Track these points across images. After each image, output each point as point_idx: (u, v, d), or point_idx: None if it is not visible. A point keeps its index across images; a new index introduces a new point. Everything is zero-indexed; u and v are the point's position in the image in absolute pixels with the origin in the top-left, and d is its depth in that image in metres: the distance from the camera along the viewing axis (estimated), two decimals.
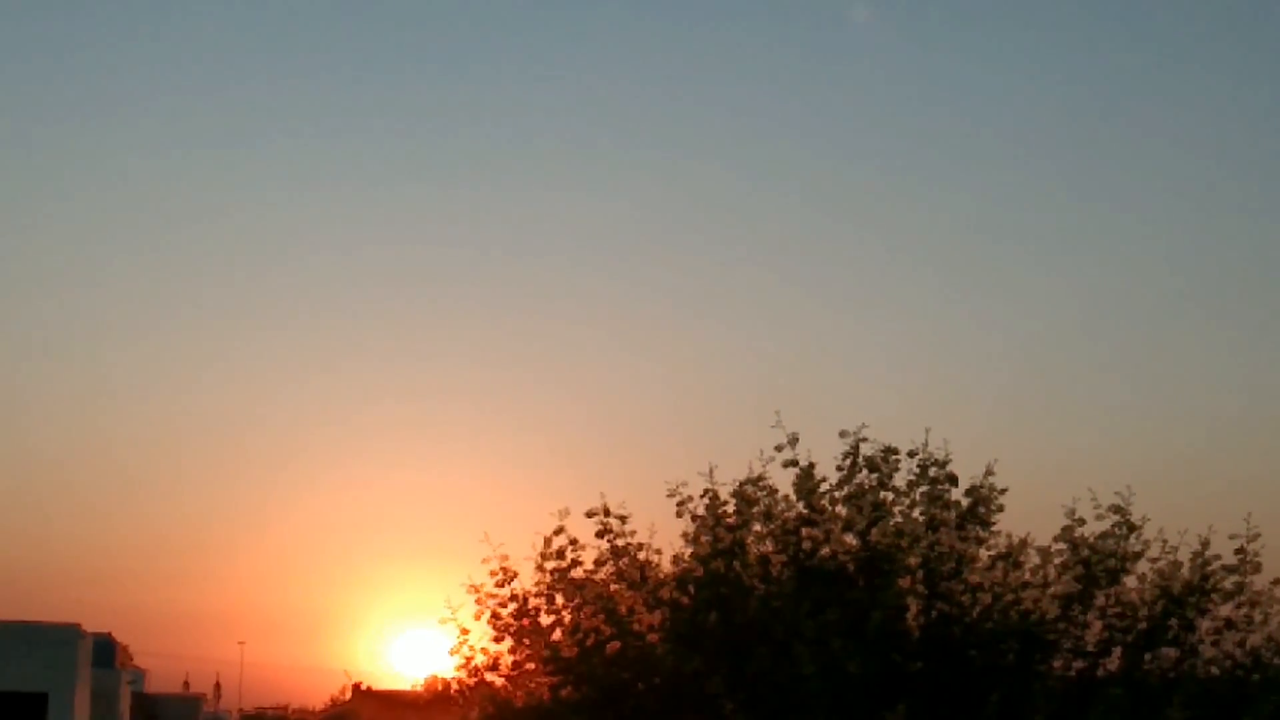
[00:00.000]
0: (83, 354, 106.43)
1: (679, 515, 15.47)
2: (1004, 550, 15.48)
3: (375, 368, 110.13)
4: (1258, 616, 15.52)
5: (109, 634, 62.54)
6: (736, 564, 15.10)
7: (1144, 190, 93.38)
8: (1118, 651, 15.53)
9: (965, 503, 15.34)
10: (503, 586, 15.69)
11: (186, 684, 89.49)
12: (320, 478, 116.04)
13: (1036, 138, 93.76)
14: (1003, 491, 15.41)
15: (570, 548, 15.65)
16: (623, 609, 15.34)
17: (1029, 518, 15.92)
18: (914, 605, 15.11)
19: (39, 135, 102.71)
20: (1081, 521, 15.48)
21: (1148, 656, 15.47)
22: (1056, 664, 15.50)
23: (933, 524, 15.25)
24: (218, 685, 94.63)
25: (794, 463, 15.27)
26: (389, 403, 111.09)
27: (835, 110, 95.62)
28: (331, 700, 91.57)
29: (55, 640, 49.75)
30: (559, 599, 15.67)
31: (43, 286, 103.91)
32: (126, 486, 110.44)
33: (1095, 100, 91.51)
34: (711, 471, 15.41)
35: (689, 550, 15.50)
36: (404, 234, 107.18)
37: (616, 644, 15.08)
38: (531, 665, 15.72)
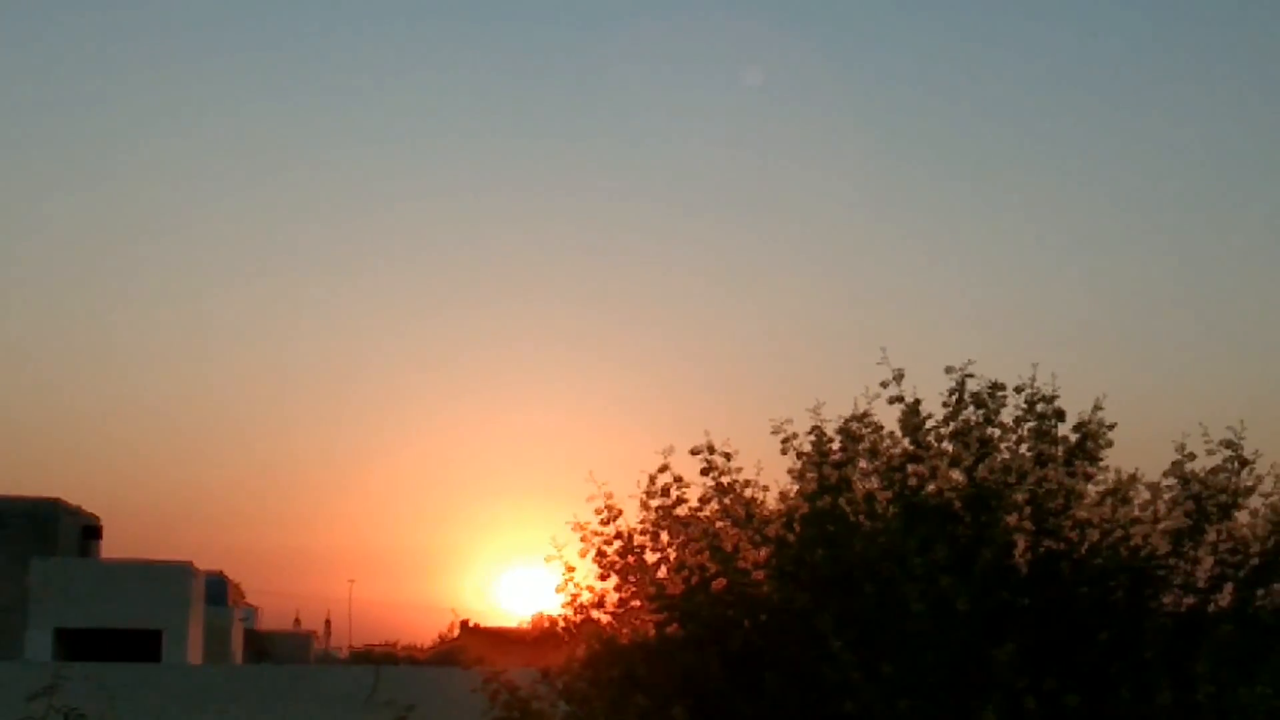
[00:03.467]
0: (190, 299, 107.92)
1: (784, 452, 15.43)
2: (1113, 486, 15.32)
3: (481, 308, 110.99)
4: None
5: (221, 572, 63.53)
6: (843, 501, 15.05)
7: (1254, 128, 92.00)
8: (1229, 588, 15.35)
9: (1073, 438, 15.20)
10: (608, 524, 15.73)
11: (297, 621, 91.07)
12: (427, 417, 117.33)
13: (1143, 83, 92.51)
14: (1111, 427, 15.24)
15: (675, 485, 15.66)
16: (728, 546, 15.34)
17: (1138, 453, 15.78)
18: (1022, 542, 15.00)
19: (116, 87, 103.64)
20: (1192, 456, 15.29)
21: (1259, 592, 15.28)
22: (1166, 600, 15.35)
23: (1040, 460, 15.12)
24: (328, 622, 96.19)
25: (899, 399, 15.18)
26: (494, 343, 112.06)
27: (938, 59, 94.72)
28: (440, 637, 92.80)
29: (169, 578, 50.65)
30: (664, 536, 15.69)
31: (149, 233, 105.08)
32: (237, 428, 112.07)
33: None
34: (817, 408, 15.37)
35: (795, 487, 15.47)
36: (506, 179, 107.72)
37: (722, 581, 15.09)
38: (637, 602, 15.75)
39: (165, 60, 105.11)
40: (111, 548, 53.98)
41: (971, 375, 15.17)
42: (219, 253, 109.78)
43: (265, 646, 73.30)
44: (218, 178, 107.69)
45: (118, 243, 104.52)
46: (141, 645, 49.17)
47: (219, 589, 61.98)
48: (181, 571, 51.47)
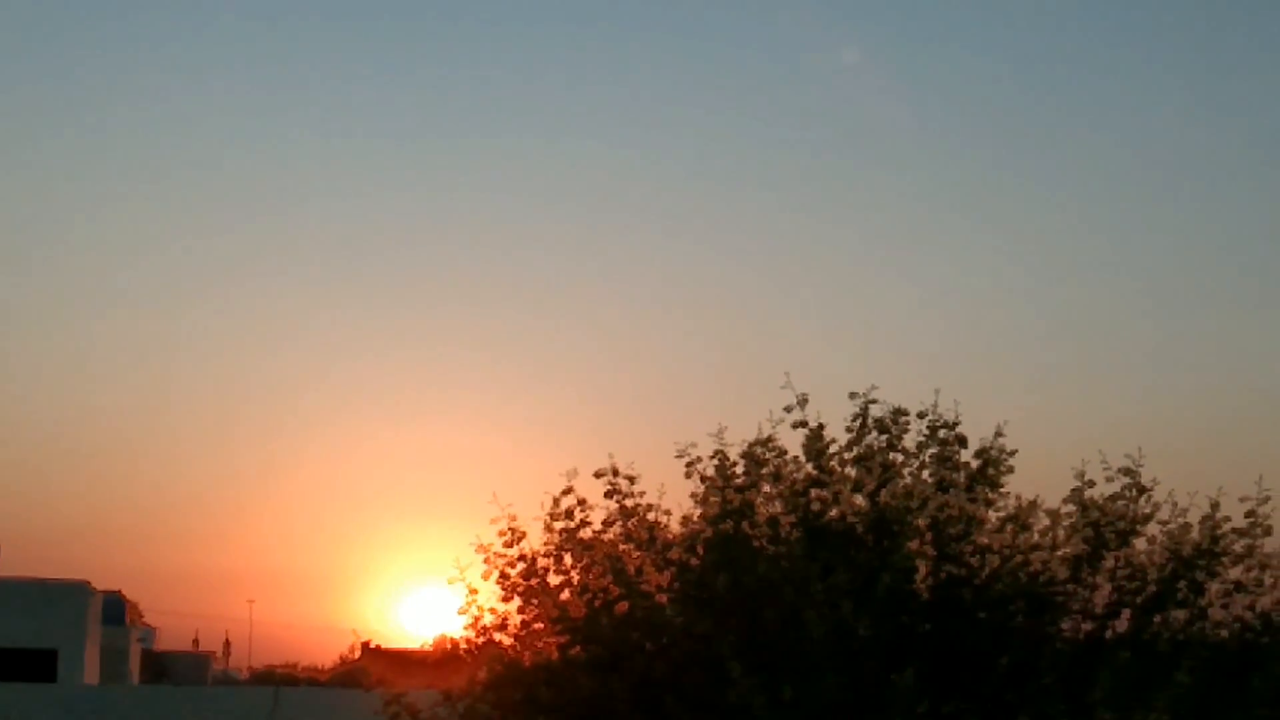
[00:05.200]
0: (82, 317, 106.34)
1: (688, 476, 15.46)
2: (1013, 512, 15.47)
3: (383, 323, 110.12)
4: (1268, 579, 15.49)
5: (119, 592, 62.73)
6: (746, 525, 15.09)
7: (1161, 156, 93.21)
8: (1126, 614, 15.52)
9: (975, 464, 15.32)
10: (511, 546, 15.69)
11: (196, 642, 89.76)
12: (329, 434, 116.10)
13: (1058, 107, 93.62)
14: (1012, 453, 15.39)
15: (579, 508, 15.65)
16: (631, 569, 15.35)
17: (1038, 480, 15.93)
18: (923, 567, 15.10)
19: None
20: (1091, 483, 15.46)
21: (1157, 619, 15.45)
22: (1065, 626, 15.49)
23: (942, 485, 15.24)
24: (227, 643, 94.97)
25: (803, 424, 15.25)
26: (396, 359, 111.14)
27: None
28: (341, 659, 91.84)
29: (65, 598, 49.93)
30: (567, 559, 15.68)
31: (40, 249, 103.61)
32: (136, 446, 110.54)
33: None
34: (721, 432, 15.40)
35: (698, 511, 15.49)
36: (407, 181, 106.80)
37: (625, 604, 15.09)
38: (540, 625, 15.73)
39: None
40: (7, 565, 53.25)
41: (875, 401, 15.28)
42: (110, 272, 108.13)
43: (163, 667, 72.43)
44: (94, 187, 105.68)
45: (5, 260, 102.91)
46: (37, 665, 48.49)
47: (116, 608, 61.17)
48: (78, 590, 50.75)
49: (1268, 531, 15.39)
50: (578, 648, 15.18)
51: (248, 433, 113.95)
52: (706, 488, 15.37)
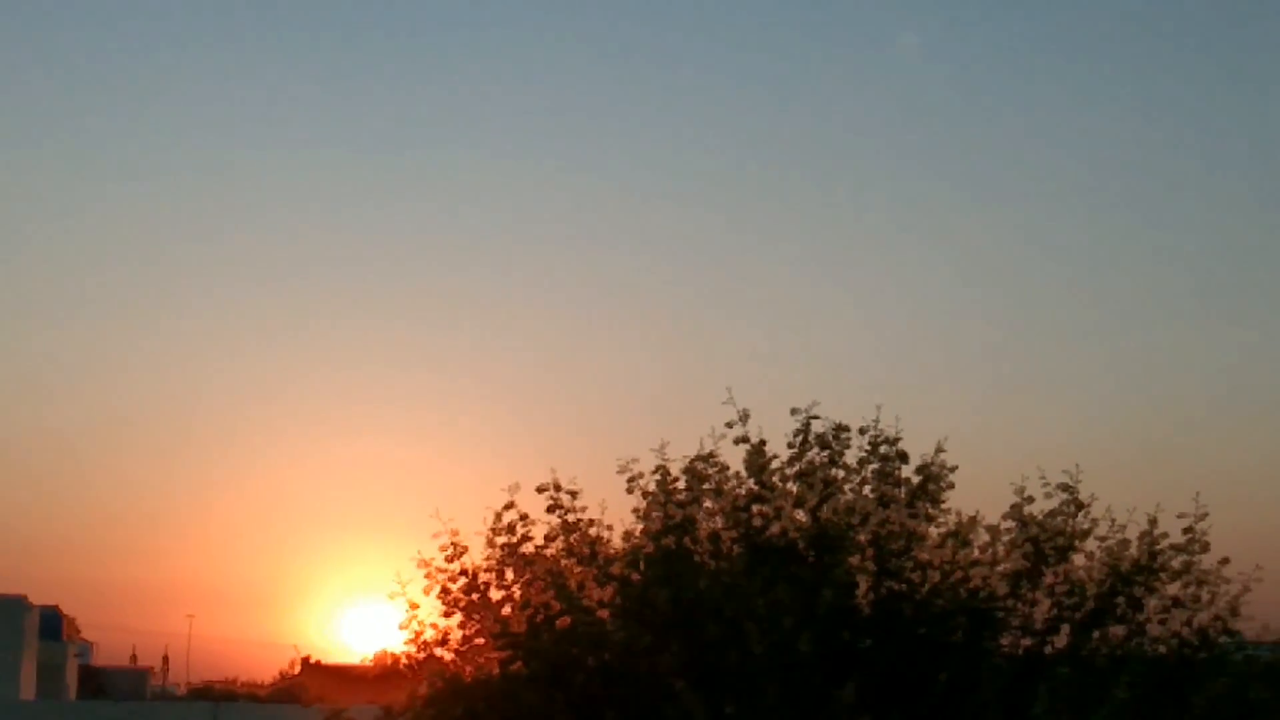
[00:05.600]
0: (20, 328, 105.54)
1: (630, 491, 15.47)
2: (954, 528, 15.52)
3: (323, 337, 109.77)
4: (1205, 595, 15.61)
5: (56, 606, 62.28)
6: (687, 540, 15.09)
7: (1105, 175, 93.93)
8: (1065, 629, 15.60)
9: (916, 480, 15.37)
10: (452, 561, 15.65)
11: (134, 657, 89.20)
12: (269, 449, 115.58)
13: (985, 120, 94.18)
14: (953, 469, 15.46)
15: (521, 523, 15.62)
16: (573, 584, 15.33)
17: (978, 496, 16.00)
18: (864, 583, 15.14)
19: None
20: (1030, 499, 15.56)
21: (1095, 634, 15.55)
22: (1005, 642, 15.56)
23: (883, 501, 15.28)
24: (165, 658, 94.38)
25: (745, 439, 15.28)
26: (336, 372, 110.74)
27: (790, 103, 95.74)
28: (280, 674, 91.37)
29: (1, 612, 49.58)
30: (509, 574, 15.65)
31: None
32: (74, 459, 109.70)
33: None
34: (663, 448, 15.41)
35: (640, 526, 15.49)
36: (350, 197, 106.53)
37: (566, 619, 15.06)
38: (481, 640, 15.68)
39: None
40: None
41: (817, 417, 15.32)
42: (47, 283, 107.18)
43: (101, 683, 71.94)
44: (38, 217, 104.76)
45: None
46: None
47: (53, 623, 60.74)
48: (15, 605, 50.40)
49: (1205, 548, 15.50)
50: (519, 663, 15.14)
51: (187, 447, 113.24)
52: (648, 503, 15.38)
